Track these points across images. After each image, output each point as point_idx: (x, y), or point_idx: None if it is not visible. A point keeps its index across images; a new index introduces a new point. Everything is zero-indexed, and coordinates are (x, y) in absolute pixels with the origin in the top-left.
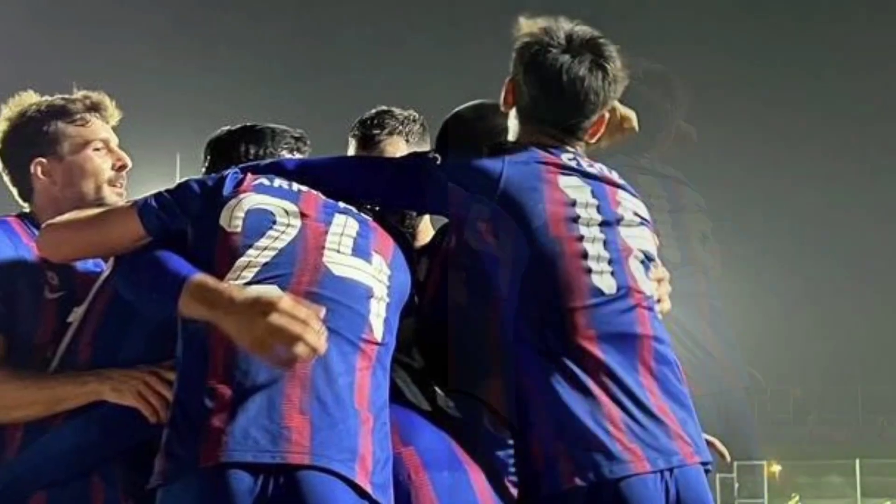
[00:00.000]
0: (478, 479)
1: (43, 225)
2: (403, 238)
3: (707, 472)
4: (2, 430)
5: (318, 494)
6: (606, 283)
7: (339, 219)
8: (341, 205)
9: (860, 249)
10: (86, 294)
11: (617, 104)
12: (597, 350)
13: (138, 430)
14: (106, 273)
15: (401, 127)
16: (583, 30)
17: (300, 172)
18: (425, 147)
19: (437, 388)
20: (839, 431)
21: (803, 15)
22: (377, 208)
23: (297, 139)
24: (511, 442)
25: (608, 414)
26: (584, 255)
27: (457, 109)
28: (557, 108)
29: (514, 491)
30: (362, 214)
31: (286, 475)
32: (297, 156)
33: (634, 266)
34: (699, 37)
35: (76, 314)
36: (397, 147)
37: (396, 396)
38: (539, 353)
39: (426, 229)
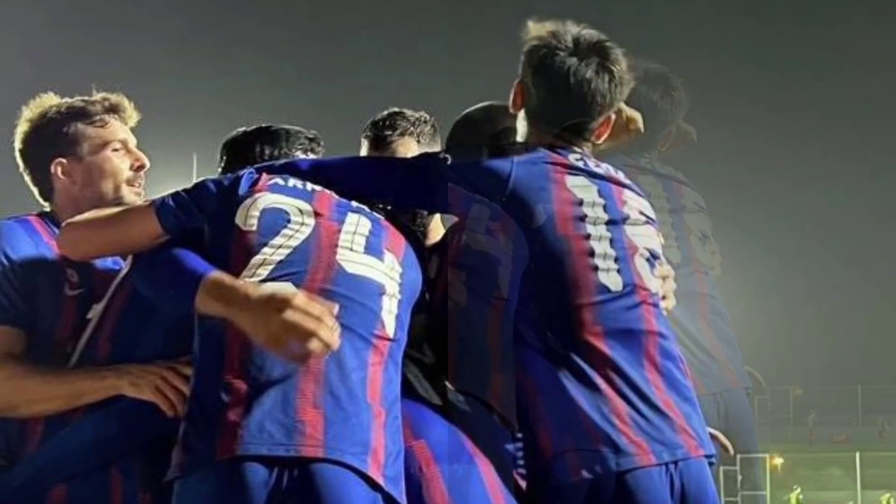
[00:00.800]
0: (487, 471)
1: (63, 224)
2: (415, 236)
3: (711, 464)
4: (23, 424)
5: (332, 487)
6: (613, 281)
7: (351, 218)
8: (354, 204)
9: (861, 248)
10: (105, 291)
11: (623, 106)
12: (603, 346)
13: (156, 424)
14: (124, 271)
15: (412, 128)
16: (590, 33)
17: (314, 172)
18: (436, 148)
19: (447, 383)
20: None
21: (805, 19)
22: (389, 207)
23: (311, 140)
24: (519, 436)
25: (614, 408)
26: (591, 253)
27: (466, 111)
28: (565, 109)
29: (522, 483)
30: (375, 213)
31: (300, 468)
32: (311, 156)
33: (640, 264)
34: (703, 40)
35: (95, 311)
36: (409, 148)
37: (408, 391)
38: (546, 348)
39: (437, 228)
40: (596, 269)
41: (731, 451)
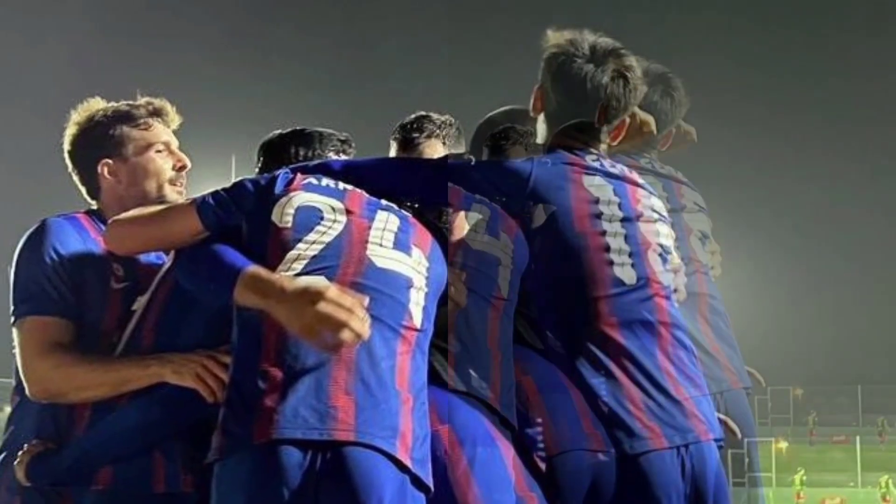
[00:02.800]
0: (508, 453)
1: (109, 221)
2: (440, 233)
3: (720, 447)
4: (72, 410)
5: (363, 468)
6: (627, 275)
7: (381, 215)
8: (383, 202)
9: (861, 244)
10: (149, 284)
11: (637, 109)
12: (618, 336)
13: (197, 410)
14: (167, 265)
15: (438, 130)
16: (605, 41)
17: (346, 172)
18: (460, 149)
19: (471, 371)
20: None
21: (809, 25)
22: (416, 205)
23: (343, 142)
24: (539, 420)
25: (629, 395)
26: (607, 249)
27: (489, 114)
28: (582, 113)
29: (542, 465)
30: (403, 211)
31: (333, 451)
32: (343, 157)
33: (653, 259)
34: (712, 46)
35: (140, 303)
36: (435, 149)
37: (434, 378)
38: (565, 338)
39: (461, 224)
40: (611, 263)
41: (739, 436)
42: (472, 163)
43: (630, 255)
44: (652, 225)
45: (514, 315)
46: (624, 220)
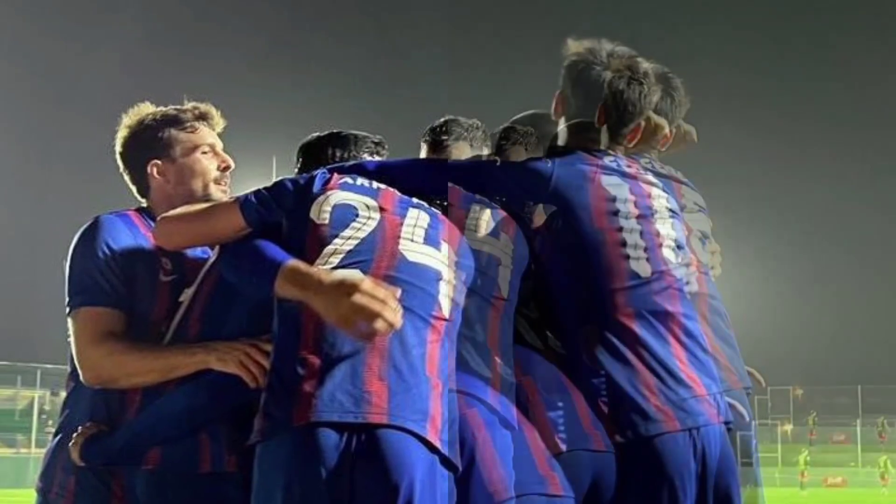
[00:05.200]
0: (532, 436)
1: (158, 218)
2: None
3: (729, 430)
4: (123, 395)
5: (395, 450)
6: (642, 268)
7: (412, 212)
8: (414, 200)
9: (862, 240)
10: (195, 277)
11: (651, 114)
12: (634, 325)
13: (240, 394)
14: (212, 259)
15: (466, 133)
16: (622, 49)
17: (379, 172)
18: (486, 151)
19: (496, 358)
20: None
21: (812, 33)
22: (445, 203)
23: (377, 144)
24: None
25: (644, 380)
26: (623, 244)
27: (514, 118)
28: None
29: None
30: (432, 209)
31: (367, 433)
32: (377, 158)
33: (666, 253)
34: (723, 55)
35: (186, 294)
36: (462, 151)
37: (462, 365)
38: (583, 328)
39: (488, 220)
40: (627, 257)
41: (748, 419)
42: (498, 163)
43: (645, 249)
44: (665, 221)
45: (514, 315)
46: (639, 216)
